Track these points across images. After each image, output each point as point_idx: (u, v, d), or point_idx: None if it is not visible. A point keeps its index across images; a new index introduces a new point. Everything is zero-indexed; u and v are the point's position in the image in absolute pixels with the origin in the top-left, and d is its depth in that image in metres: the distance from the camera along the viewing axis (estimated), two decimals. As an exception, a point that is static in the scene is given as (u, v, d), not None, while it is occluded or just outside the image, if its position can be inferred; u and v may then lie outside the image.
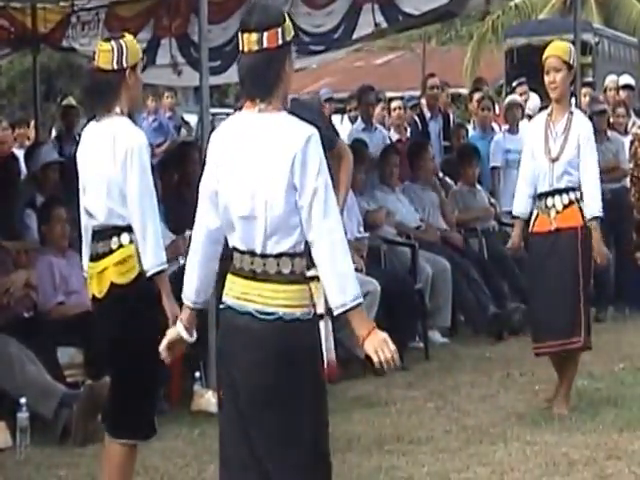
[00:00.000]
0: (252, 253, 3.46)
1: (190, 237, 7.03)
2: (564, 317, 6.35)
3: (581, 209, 6.41)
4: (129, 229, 4.62)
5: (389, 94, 12.51)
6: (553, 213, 6.40)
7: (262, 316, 3.44)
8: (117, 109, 4.62)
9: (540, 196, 6.46)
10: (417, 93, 12.86)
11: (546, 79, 6.40)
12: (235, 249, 3.52)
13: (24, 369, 6.05)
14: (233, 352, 3.51)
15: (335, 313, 3.43)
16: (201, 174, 7.55)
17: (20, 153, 10.25)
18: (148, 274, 4.56)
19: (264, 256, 3.44)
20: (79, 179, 4.79)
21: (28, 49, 10.86)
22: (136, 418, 4.67)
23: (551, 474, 5.33)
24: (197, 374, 6.70)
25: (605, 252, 6.62)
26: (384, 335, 3.41)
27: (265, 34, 3.43)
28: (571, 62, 6.43)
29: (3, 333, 6.20)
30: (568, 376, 6.48)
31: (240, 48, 3.49)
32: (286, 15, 3.51)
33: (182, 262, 6.96)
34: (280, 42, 3.45)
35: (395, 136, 10.66)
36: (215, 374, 6.52)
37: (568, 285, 6.36)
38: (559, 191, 6.39)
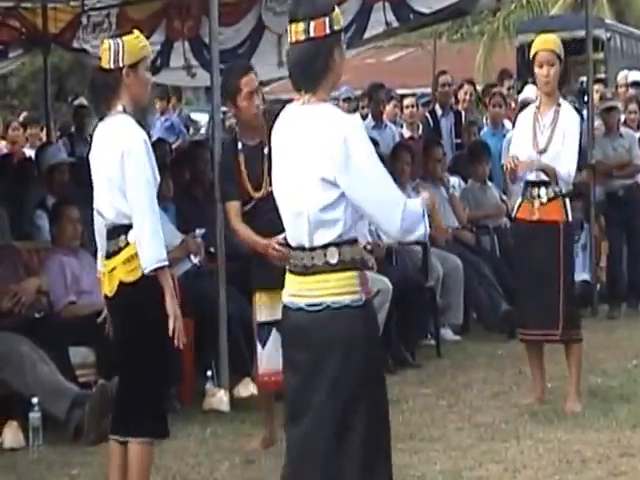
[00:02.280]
0: (302, 248, 3.47)
1: (201, 236, 7.09)
2: (544, 309, 6.42)
3: (565, 204, 6.46)
4: None
5: (400, 91, 12.50)
6: (537, 204, 6.46)
7: (311, 308, 3.45)
8: (119, 107, 4.59)
9: (527, 184, 6.51)
10: (428, 90, 12.85)
11: (538, 72, 6.44)
12: (289, 246, 3.54)
13: (36, 369, 6.06)
14: (291, 351, 3.52)
15: None
16: (211, 173, 7.52)
17: (33, 153, 10.30)
18: (145, 271, 4.49)
19: (312, 249, 3.44)
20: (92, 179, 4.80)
21: (39, 49, 10.88)
22: (146, 416, 4.66)
23: (564, 471, 5.31)
24: (209, 373, 6.70)
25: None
26: None
27: (312, 23, 3.41)
28: (562, 56, 6.47)
29: (15, 333, 6.21)
30: (574, 372, 6.49)
31: (288, 39, 3.48)
32: (335, 5, 3.49)
33: (194, 261, 6.96)
34: (328, 31, 3.43)
35: (407, 133, 10.64)
36: (226, 373, 6.61)
37: (548, 278, 6.40)
38: (545, 183, 6.43)
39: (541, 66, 6.42)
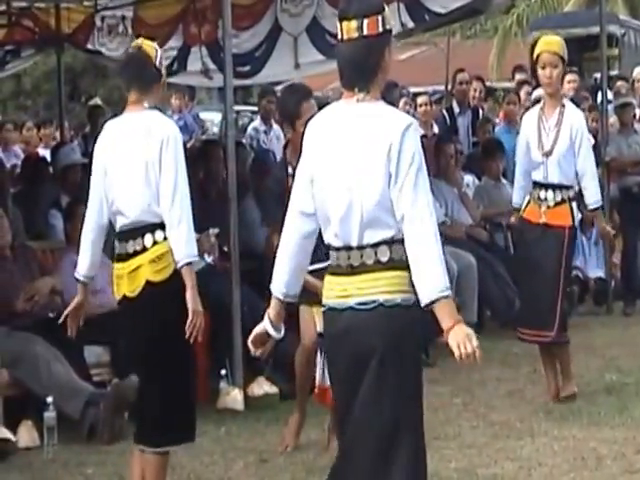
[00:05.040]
0: (348, 248, 3.43)
1: (214, 235, 7.08)
2: (541, 310, 6.48)
3: (571, 209, 6.48)
4: (163, 226, 4.56)
5: (413, 89, 12.47)
6: (544, 207, 6.50)
7: (362, 307, 3.40)
8: (145, 104, 4.61)
9: (534, 185, 6.56)
10: (441, 88, 12.83)
11: (541, 73, 6.51)
12: (330, 247, 3.49)
13: (51, 368, 6.07)
14: (340, 352, 3.47)
15: (422, 304, 3.36)
16: (225, 172, 7.47)
17: (47, 153, 10.33)
18: (179, 264, 4.47)
19: (361, 247, 3.41)
20: (97, 178, 4.69)
21: (52, 49, 10.91)
22: (176, 421, 4.60)
23: (579, 469, 5.30)
24: (223, 372, 6.70)
25: (610, 231, 6.78)
26: (469, 330, 3.38)
27: (365, 21, 3.41)
28: (565, 57, 6.52)
29: (29, 333, 6.22)
30: (564, 364, 6.57)
31: (339, 37, 3.47)
32: (385, 4, 3.49)
33: (208, 260, 6.97)
34: (380, 29, 3.43)
35: (421, 132, 10.62)
36: (241, 372, 6.61)
37: (549, 281, 6.47)
38: (552, 186, 6.48)
39: (544, 67, 6.49)
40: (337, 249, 3.46)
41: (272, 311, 3.64)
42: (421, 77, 20.23)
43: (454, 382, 7.18)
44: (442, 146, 9.36)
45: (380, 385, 3.41)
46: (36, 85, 25.86)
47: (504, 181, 9.68)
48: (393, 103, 10.46)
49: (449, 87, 11.48)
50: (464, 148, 10.13)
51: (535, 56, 6.57)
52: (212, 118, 16.16)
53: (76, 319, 4.77)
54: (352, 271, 3.42)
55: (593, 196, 6.52)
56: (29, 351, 6.10)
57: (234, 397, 6.58)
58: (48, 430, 5.87)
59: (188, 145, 11.32)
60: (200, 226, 7.19)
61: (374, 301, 3.39)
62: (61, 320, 4.82)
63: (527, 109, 10.12)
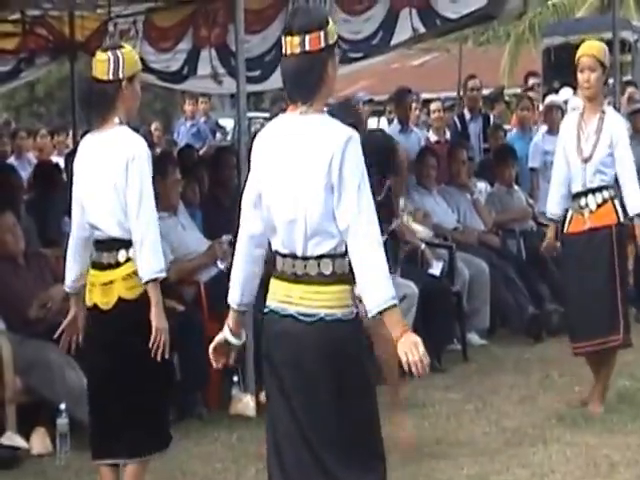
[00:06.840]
0: (293, 256, 3.49)
1: (228, 242, 7.09)
2: (602, 315, 6.34)
3: (615, 207, 6.39)
4: None
5: (426, 95, 12.49)
6: (587, 213, 6.39)
7: (303, 318, 3.47)
8: (115, 119, 4.64)
9: (574, 197, 6.46)
10: (454, 94, 12.83)
11: (580, 77, 6.40)
12: (277, 252, 3.55)
13: (64, 375, 6.08)
14: (278, 356, 3.53)
15: (369, 315, 3.44)
16: (237, 179, 7.52)
17: (60, 161, 10.36)
18: (144, 280, 4.53)
19: (305, 258, 3.47)
20: (75, 190, 4.76)
21: (66, 57, 10.94)
22: (153, 430, 4.67)
23: (592, 476, 5.29)
24: (235, 378, 6.71)
25: None
26: (416, 338, 3.41)
27: (307, 37, 3.46)
28: (606, 62, 6.42)
29: (43, 340, 6.24)
30: (603, 375, 6.46)
31: (283, 51, 3.52)
32: (329, 18, 3.53)
33: (221, 266, 6.98)
34: (322, 45, 3.47)
35: (434, 137, 10.64)
36: (253, 378, 6.61)
37: (605, 283, 6.34)
38: (592, 190, 6.38)
39: (582, 71, 6.38)
40: (283, 256, 3.52)
41: (231, 320, 3.74)
42: (433, 83, 20.25)
43: (466, 389, 7.17)
44: (454, 152, 9.35)
45: (324, 402, 3.45)
46: (49, 93, 25.96)
47: (516, 187, 9.67)
48: (406, 108, 10.51)
49: (461, 93, 11.48)
50: (475, 155, 10.13)
51: (576, 60, 6.47)
52: (224, 124, 16.19)
53: (73, 333, 4.82)
54: (295, 279, 3.49)
55: (634, 202, 6.33)
56: (42, 358, 6.12)
57: (246, 403, 6.58)
58: (61, 437, 5.88)
59: (201, 152, 11.37)
60: (213, 233, 7.27)
61: (315, 314, 3.46)
62: (55, 335, 4.85)
63: (545, 114, 10.16)
